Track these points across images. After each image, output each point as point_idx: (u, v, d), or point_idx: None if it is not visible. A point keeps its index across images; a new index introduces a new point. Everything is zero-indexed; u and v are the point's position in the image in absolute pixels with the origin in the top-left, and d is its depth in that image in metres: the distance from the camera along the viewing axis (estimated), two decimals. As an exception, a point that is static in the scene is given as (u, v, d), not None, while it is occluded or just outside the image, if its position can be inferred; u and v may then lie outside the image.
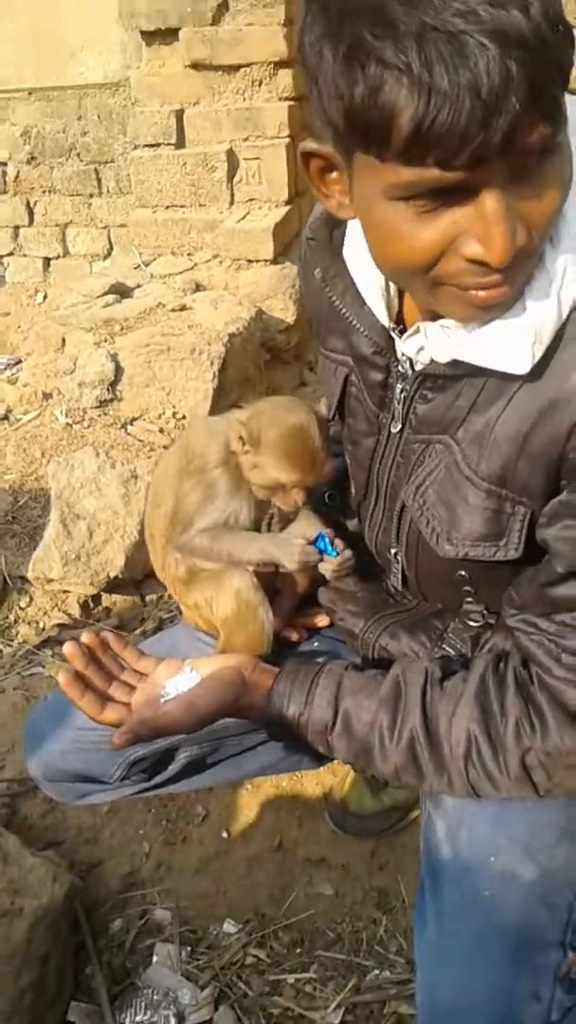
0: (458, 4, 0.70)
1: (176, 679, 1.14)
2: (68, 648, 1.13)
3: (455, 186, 0.78)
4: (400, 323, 1.08)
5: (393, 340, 1.08)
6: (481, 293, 0.86)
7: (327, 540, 1.29)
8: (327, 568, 1.30)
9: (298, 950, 1.65)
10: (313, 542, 1.28)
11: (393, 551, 1.22)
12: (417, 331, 1.02)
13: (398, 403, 1.11)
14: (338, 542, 1.30)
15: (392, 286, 1.05)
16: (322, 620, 1.43)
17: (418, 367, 1.06)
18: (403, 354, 1.08)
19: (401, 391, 1.11)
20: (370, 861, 1.73)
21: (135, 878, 1.78)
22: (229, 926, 1.69)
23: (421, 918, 1.10)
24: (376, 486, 1.21)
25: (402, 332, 1.06)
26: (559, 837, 1.07)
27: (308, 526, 1.33)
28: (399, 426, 1.12)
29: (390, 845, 1.75)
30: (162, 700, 1.12)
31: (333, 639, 1.42)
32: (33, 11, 4.05)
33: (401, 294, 1.06)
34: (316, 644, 1.43)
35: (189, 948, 1.67)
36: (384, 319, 1.07)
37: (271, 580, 1.39)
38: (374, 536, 1.26)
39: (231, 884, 1.75)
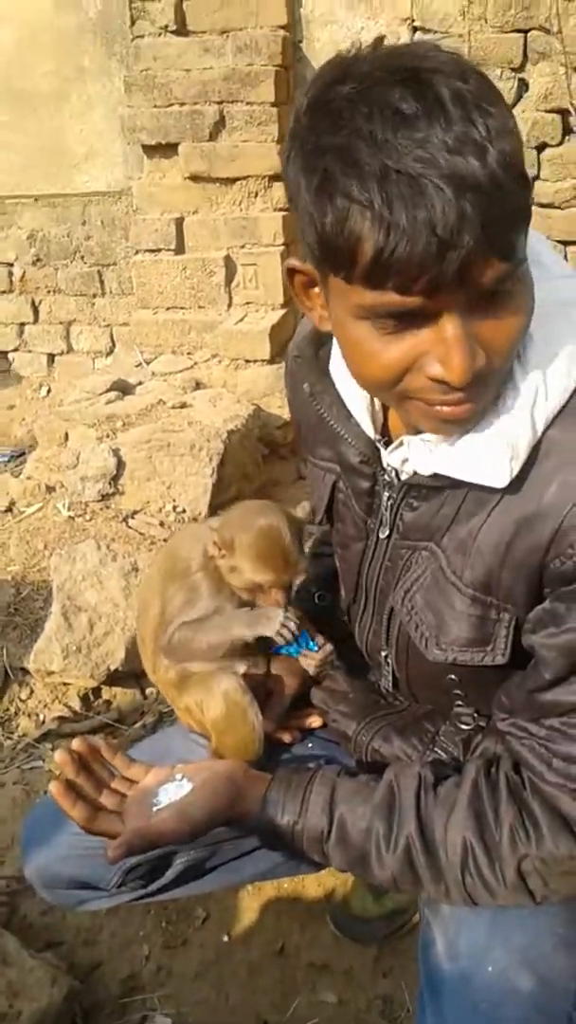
0: (419, 151, 0.77)
1: (167, 786, 1.15)
2: (59, 756, 1.14)
3: (415, 311, 0.84)
4: (385, 435, 1.13)
5: (379, 451, 1.13)
6: (445, 409, 0.92)
7: (307, 635, 1.33)
8: (309, 663, 1.34)
9: (301, 1060, 1.61)
10: (296, 638, 1.30)
11: (383, 653, 1.25)
12: (401, 444, 1.07)
13: (385, 510, 1.15)
14: (319, 637, 1.34)
15: (376, 400, 1.11)
16: (315, 721, 1.44)
17: (403, 476, 1.11)
18: (388, 464, 1.13)
19: (388, 499, 1.15)
20: (374, 967, 1.71)
21: (135, 982, 1.75)
22: (231, 1033, 1.66)
23: None
24: (365, 589, 1.25)
25: (387, 443, 1.11)
26: (556, 944, 1.07)
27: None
28: (387, 532, 1.16)
29: (393, 951, 1.72)
30: (154, 808, 1.13)
31: (326, 740, 1.43)
32: (41, 124, 4.28)
33: (386, 408, 1.12)
34: (310, 745, 1.44)
35: (190, 1057, 1.64)
36: (370, 431, 1.12)
37: (263, 682, 1.41)
38: (364, 638, 1.29)
39: (233, 989, 1.72)
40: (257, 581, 1.28)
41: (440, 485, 1.05)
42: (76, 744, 1.17)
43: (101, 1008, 1.71)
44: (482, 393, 0.92)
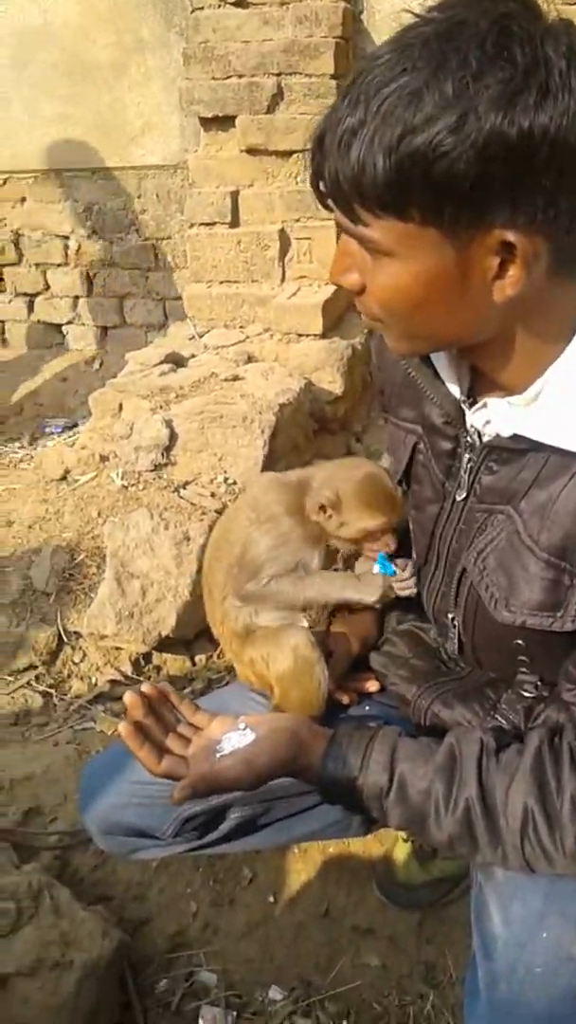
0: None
1: (231, 735, 1.17)
2: (129, 698, 1.17)
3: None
4: (471, 396, 1.14)
5: (463, 412, 1.14)
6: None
7: (386, 561, 1.36)
8: (401, 586, 1.36)
9: (344, 1022, 1.64)
10: (381, 566, 1.35)
11: (451, 616, 1.26)
12: (485, 405, 1.08)
13: (465, 472, 1.17)
14: (399, 561, 1.36)
15: (464, 362, 1.12)
16: (372, 685, 1.46)
17: (486, 439, 1.12)
18: (472, 426, 1.14)
19: (468, 461, 1.16)
20: (418, 933, 1.73)
21: (182, 938, 1.79)
22: (275, 992, 1.69)
23: (473, 990, 1.11)
24: (437, 551, 1.26)
25: (472, 405, 1.12)
26: None
27: (368, 564, 1.40)
28: (464, 494, 1.17)
29: (438, 918, 1.74)
30: (217, 755, 1.15)
31: (384, 704, 1.45)
32: (100, 97, 4.29)
33: (473, 369, 1.13)
34: (367, 708, 1.46)
35: (235, 1013, 1.67)
36: (456, 391, 1.14)
37: (323, 641, 1.43)
38: (432, 601, 1.30)
39: (277, 950, 1.75)
40: (370, 528, 1.32)
41: (522, 448, 1.05)
42: (145, 687, 1.20)
43: (149, 962, 1.76)
44: (383, 326, 1.04)
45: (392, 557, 1.38)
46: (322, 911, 1.78)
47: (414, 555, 1.34)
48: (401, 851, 1.78)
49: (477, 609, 1.17)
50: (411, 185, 0.87)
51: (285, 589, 1.35)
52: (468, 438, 1.15)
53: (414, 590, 1.35)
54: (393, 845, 1.80)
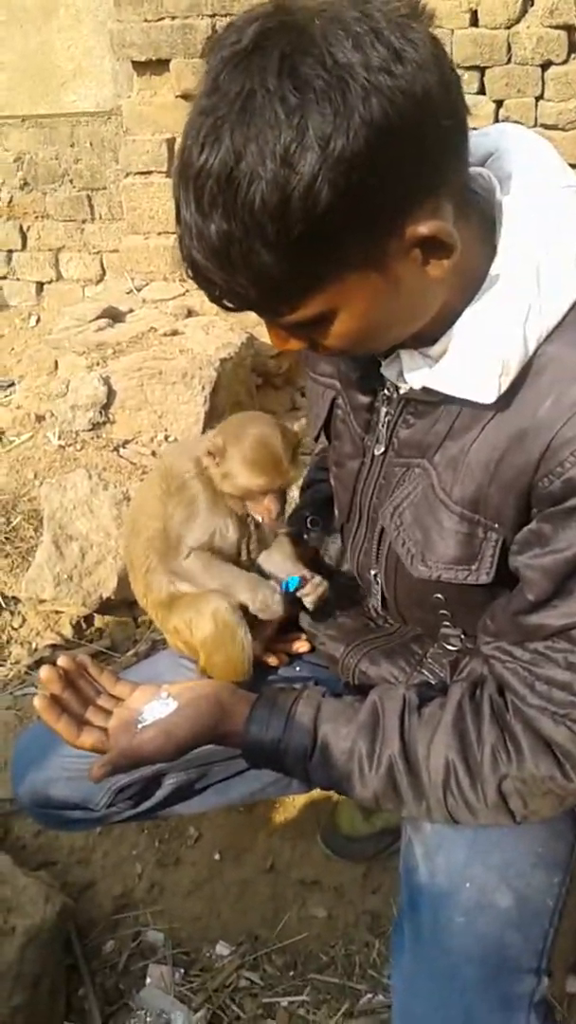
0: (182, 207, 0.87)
1: (152, 704, 1.15)
2: (45, 672, 1.14)
3: None
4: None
5: (379, 365, 1.11)
6: None
7: (299, 581, 1.33)
8: (308, 597, 1.34)
9: (291, 973, 1.65)
10: (286, 585, 1.32)
11: (373, 572, 1.24)
12: (397, 356, 1.05)
13: (382, 426, 1.14)
14: (308, 573, 1.34)
15: None
16: (302, 646, 1.44)
17: (402, 391, 1.10)
18: (388, 380, 1.12)
19: (386, 415, 1.14)
20: (363, 884, 1.74)
21: (128, 899, 1.79)
22: (222, 948, 1.70)
23: (399, 943, 1.12)
24: (359, 507, 1.24)
25: (386, 356, 1.09)
26: (534, 864, 1.09)
27: (283, 557, 1.37)
28: (382, 449, 1.15)
29: (383, 868, 1.76)
30: (139, 726, 1.13)
31: (313, 664, 1.43)
32: (28, 39, 4.12)
33: None
34: (297, 669, 1.44)
35: (182, 970, 1.68)
36: None
37: None
38: (356, 557, 1.28)
39: (224, 906, 1.75)
40: (249, 486, 1.27)
41: (434, 400, 1.03)
42: (62, 661, 1.16)
43: (95, 925, 1.75)
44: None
45: (312, 531, 1.36)
46: (267, 866, 1.79)
47: (336, 511, 1.32)
48: (345, 804, 1.79)
49: (397, 565, 1.15)
50: (309, 258, 0.84)
51: (197, 572, 1.33)
52: (385, 392, 1.13)
53: (320, 603, 1.34)
54: (338, 799, 1.81)
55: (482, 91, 3.64)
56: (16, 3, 4.07)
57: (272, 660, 1.41)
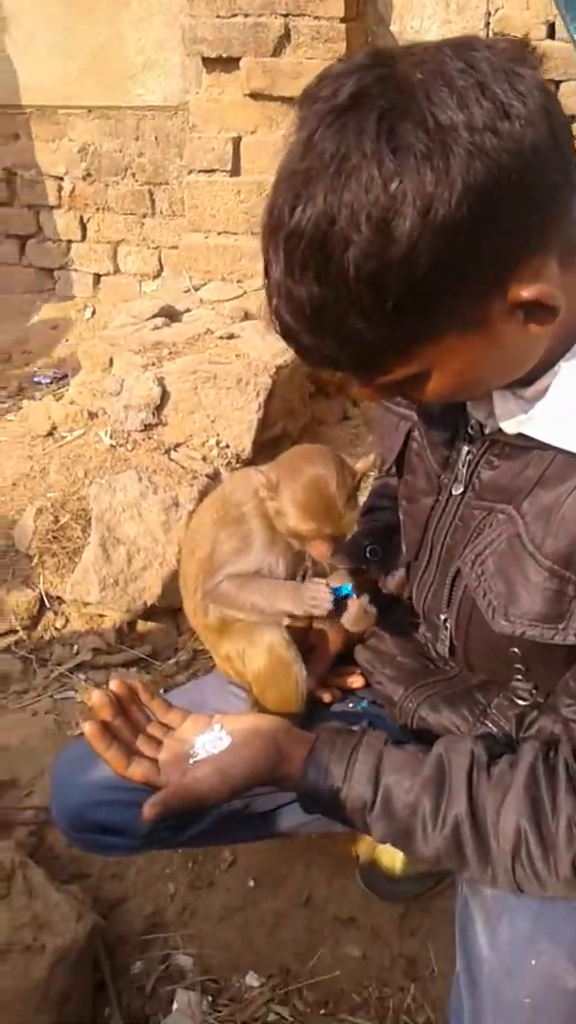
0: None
1: (205, 737, 1.11)
2: (96, 698, 1.10)
3: None
4: None
5: (464, 402, 1.06)
6: None
7: (350, 590, 1.27)
8: (347, 618, 1.28)
9: (322, 1011, 1.60)
10: (335, 591, 1.25)
11: (443, 617, 1.19)
12: (488, 397, 1.00)
13: (463, 465, 1.10)
14: (355, 596, 1.28)
15: None
16: (356, 681, 1.40)
17: (487, 431, 1.05)
18: (472, 416, 1.07)
19: (467, 453, 1.09)
20: (400, 925, 1.69)
21: (158, 919, 1.75)
22: (252, 979, 1.66)
23: (456, 1019, 1.06)
24: (430, 547, 1.19)
25: None
26: None
27: (340, 580, 1.32)
28: (461, 489, 1.11)
29: (422, 909, 1.70)
30: (191, 760, 1.09)
31: (369, 701, 1.39)
32: (99, 30, 4.09)
33: None
34: (350, 705, 1.40)
35: (211, 998, 1.64)
36: None
37: (304, 636, 1.36)
38: (423, 598, 1.23)
39: (256, 936, 1.71)
40: (299, 531, 1.23)
41: (526, 445, 0.98)
42: (114, 685, 1.13)
43: (124, 943, 1.72)
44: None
45: (372, 560, 1.31)
46: (303, 899, 1.75)
47: (404, 547, 1.27)
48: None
49: (472, 614, 1.10)
50: (404, 325, 0.82)
51: (234, 591, 1.29)
52: (468, 429, 1.08)
53: (366, 628, 1.29)
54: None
55: None
56: (90, -8, 4.05)
57: (326, 696, 1.37)
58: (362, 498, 1.39)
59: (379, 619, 1.31)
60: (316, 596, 1.22)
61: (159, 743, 1.12)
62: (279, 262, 0.82)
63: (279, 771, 1.08)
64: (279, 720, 1.15)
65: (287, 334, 0.87)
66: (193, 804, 1.07)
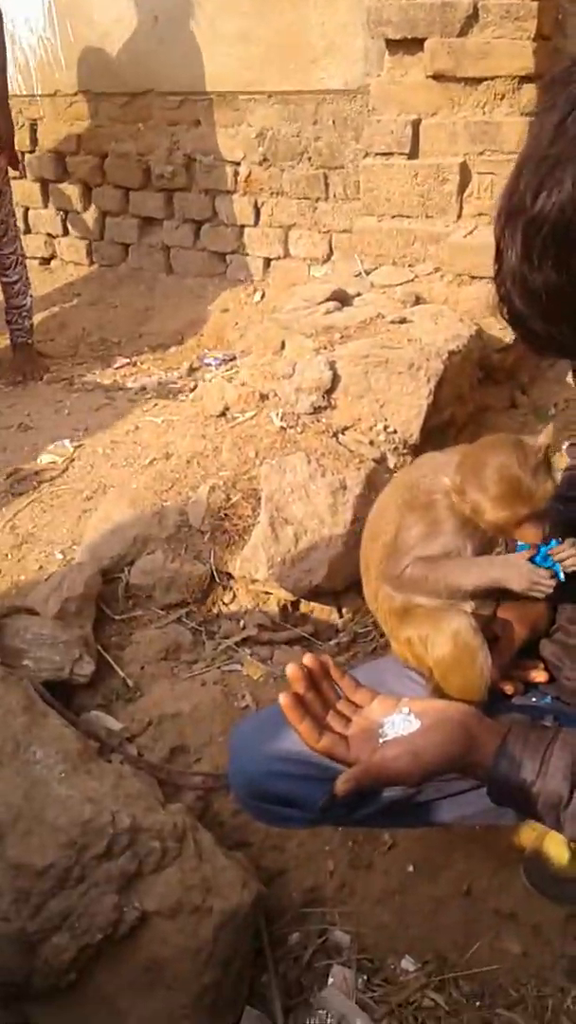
0: None
1: (393, 718, 1.12)
2: (291, 671, 1.13)
3: None
4: None
5: None
6: None
7: (548, 555, 1.24)
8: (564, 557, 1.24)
9: (478, 1003, 1.60)
10: (533, 558, 1.23)
11: None
12: None
13: None
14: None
15: None
16: (540, 675, 1.37)
17: None
18: None
19: None
20: (564, 926, 1.65)
21: (317, 895, 1.79)
22: (408, 963, 1.67)
23: None
24: None
25: None
26: None
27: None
28: None
29: (588, 913, 1.67)
30: (380, 740, 1.10)
31: (553, 697, 1.36)
32: (284, 15, 4.13)
33: None
34: (533, 700, 1.37)
35: (366, 976, 1.66)
36: None
37: (489, 626, 1.34)
38: None
39: (413, 920, 1.72)
40: (498, 522, 1.21)
41: None
42: (308, 660, 1.15)
43: (283, 913, 1.77)
44: None
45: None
46: (463, 889, 1.74)
47: None
48: (556, 837, 1.70)
49: None
50: None
51: (422, 574, 1.27)
52: None
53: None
54: (547, 833, 1.72)
55: None
56: (275, -21, 4.09)
57: (508, 688, 1.35)
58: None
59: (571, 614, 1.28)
60: (540, 581, 1.21)
61: (348, 720, 1.14)
62: (516, 247, 0.81)
63: (469, 758, 1.08)
64: (469, 707, 1.14)
65: (516, 320, 0.87)
66: (384, 783, 1.08)
